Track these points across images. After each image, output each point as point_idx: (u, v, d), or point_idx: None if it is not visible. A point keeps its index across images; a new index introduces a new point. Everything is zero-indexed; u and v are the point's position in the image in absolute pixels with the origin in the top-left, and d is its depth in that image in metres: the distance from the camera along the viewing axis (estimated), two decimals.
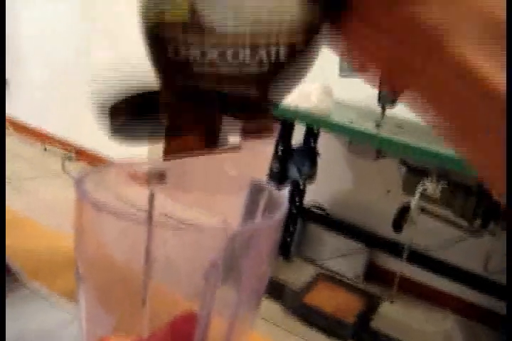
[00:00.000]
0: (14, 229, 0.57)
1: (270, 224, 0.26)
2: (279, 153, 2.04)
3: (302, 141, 2.23)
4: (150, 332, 0.29)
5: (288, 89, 0.28)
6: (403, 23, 0.25)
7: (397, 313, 2.15)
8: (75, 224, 0.26)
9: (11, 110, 3.66)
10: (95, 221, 0.26)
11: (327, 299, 2.04)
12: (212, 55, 0.25)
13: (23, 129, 3.61)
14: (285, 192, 0.29)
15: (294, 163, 2.04)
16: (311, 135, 2.23)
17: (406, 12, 0.24)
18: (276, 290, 2.07)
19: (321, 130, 2.15)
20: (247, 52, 0.25)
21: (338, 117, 1.75)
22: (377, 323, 2.00)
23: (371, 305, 2.06)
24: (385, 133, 1.69)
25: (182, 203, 0.34)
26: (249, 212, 0.32)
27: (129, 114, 0.31)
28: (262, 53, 0.25)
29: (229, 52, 0.25)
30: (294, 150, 2.10)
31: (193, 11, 0.24)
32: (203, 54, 0.25)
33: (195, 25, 0.25)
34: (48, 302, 0.42)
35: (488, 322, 2.14)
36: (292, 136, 2.09)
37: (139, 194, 0.33)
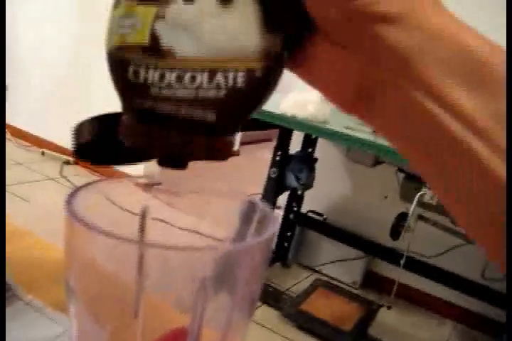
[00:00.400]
0: (10, 240, 0.57)
1: (260, 242, 0.26)
2: (277, 159, 2.04)
3: (300, 147, 2.23)
4: None
5: (246, 116, 0.28)
6: (371, 42, 0.25)
7: (394, 320, 2.15)
8: (65, 239, 0.27)
9: (8, 115, 3.67)
10: (85, 239, 0.26)
11: (324, 306, 2.04)
12: (170, 78, 0.25)
13: (20, 134, 3.61)
14: (275, 212, 0.28)
15: (291, 170, 2.04)
16: (309, 141, 2.24)
17: (373, 31, 0.24)
18: (273, 296, 2.07)
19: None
20: (205, 76, 0.25)
21: (336, 124, 1.76)
22: (374, 330, 2.00)
23: (369, 312, 2.06)
24: (382, 139, 1.69)
25: (177, 208, 0.35)
26: (243, 228, 0.32)
27: (92, 132, 0.31)
28: (220, 78, 0.25)
29: (187, 76, 0.25)
30: (291, 156, 2.10)
31: (153, 35, 0.25)
32: (162, 77, 0.25)
33: (154, 48, 0.25)
34: (43, 314, 0.42)
35: (486, 329, 2.14)
36: (290, 143, 2.09)
37: (132, 205, 0.33)
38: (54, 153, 3.37)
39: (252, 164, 3.70)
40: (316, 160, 2.17)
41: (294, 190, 2.29)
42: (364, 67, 0.26)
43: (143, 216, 0.31)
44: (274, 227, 0.26)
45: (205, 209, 0.34)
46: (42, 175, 3.11)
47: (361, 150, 1.72)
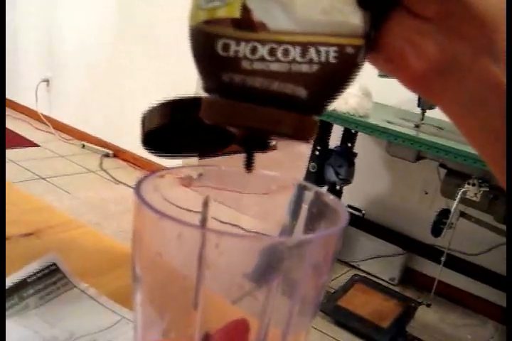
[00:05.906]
0: (62, 230, 0.58)
1: (328, 235, 0.26)
2: (317, 153, 2.03)
3: (340, 142, 2.21)
4: (200, 338, 0.29)
5: (334, 94, 0.28)
6: (460, 10, 0.24)
7: (434, 318, 2.11)
8: (133, 227, 0.27)
9: (50, 109, 3.75)
10: (153, 226, 0.26)
11: (362, 302, 2.02)
12: (263, 51, 0.25)
13: (62, 127, 3.69)
14: (342, 202, 0.28)
15: (330, 165, 2.02)
16: (349, 136, 2.22)
17: None
18: None
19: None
20: (298, 50, 0.25)
21: (377, 118, 1.73)
22: (413, 328, 1.97)
23: (407, 310, 2.03)
24: (424, 134, 1.66)
25: (224, 204, 0.34)
26: (294, 213, 0.32)
27: (161, 118, 0.30)
28: (313, 53, 0.25)
29: (279, 49, 0.25)
30: (331, 150, 2.08)
31: (245, 7, 0.25)
32: (253, 50, 0.25)
33: (246, 21, 0.25)
34: (98, 303, 0.42)
35: None
36: (330, 137, 2.07)
37: (190, 198, 0.33)
38: (94, 146, 3.43)
39: (289, 158, 3.69)
40: (355, 154, 2.14)
41: (332, 185, 2.27)
42: (445, 40, 0.25)
43: (205, 205, 0.31)
44: (343, 221, 0.26)
45: (253, 202, 0.34)
46: (82, 167, 3.17)
47: (402, 145, 1.69)
